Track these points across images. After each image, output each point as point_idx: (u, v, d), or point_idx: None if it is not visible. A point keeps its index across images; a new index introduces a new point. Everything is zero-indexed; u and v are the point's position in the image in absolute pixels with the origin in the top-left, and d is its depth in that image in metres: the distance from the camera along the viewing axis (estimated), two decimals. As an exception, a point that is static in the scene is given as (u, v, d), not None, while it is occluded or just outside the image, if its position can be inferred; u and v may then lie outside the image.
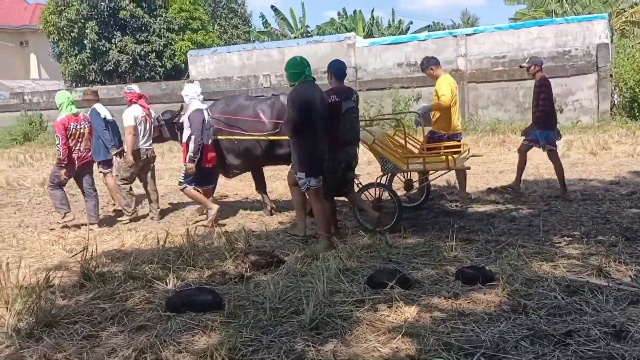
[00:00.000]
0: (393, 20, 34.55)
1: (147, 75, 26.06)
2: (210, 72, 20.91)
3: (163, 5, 26.99)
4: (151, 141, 7.21)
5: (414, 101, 17.84)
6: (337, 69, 5.52)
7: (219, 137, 6.78)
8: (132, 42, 25.56)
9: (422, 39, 18.71)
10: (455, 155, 5.99)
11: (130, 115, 6.90)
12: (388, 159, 5.94)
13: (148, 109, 7.24)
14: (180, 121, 7.02)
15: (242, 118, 6.78)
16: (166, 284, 4.27)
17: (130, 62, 25.51)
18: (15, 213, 8.23)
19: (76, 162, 6.73)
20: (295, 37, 30.48)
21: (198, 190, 6.71)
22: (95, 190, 7.01)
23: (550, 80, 7.22)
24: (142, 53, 25.67)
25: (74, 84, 26.20)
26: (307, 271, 4.40)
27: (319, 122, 5.06)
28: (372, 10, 62.89)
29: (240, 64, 20.62)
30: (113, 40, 25.41)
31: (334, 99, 5.33)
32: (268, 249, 5.16)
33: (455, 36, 18.17)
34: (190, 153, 6.39)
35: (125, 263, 4.76)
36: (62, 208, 6.81)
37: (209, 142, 6.60)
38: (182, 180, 6.63)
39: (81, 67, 25.59)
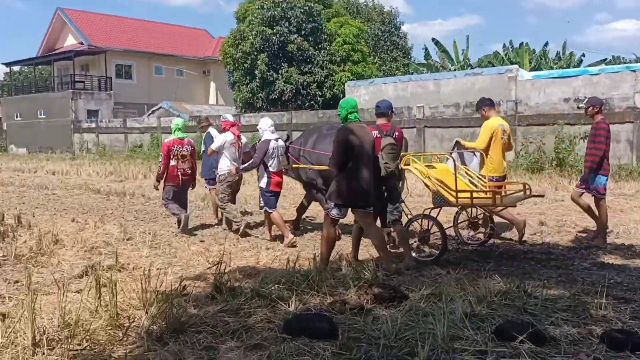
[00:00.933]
0: (563, 53, 32.36)
1: (307, 104, 27.47)
2: (365, 102, 21.36)
3: (328, 39, 28.38)
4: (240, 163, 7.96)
5: (580, 139, 16.38)
6: (377, 107, 6.22)
7: (293, 166, 7.77)
8: (297, 73, 27.20)
9: (594, 73, 17.24)
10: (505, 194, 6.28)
11: (220, 139, 7.99)
12: (438, 191, 6.00)
13: (238, 135, 8.11)
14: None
15: (317, 151, 7.46)
16: (288, 306, 4.34)
17: (294, 91, 27.14)
18: (175, 223, 9.06)
19: (180, 178, 8.04)
20: (454, 70, 30.01)
21: (269, 212, 7.36)
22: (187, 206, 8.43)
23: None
24: (305, 83, 27.17)
25: (243, 110, 28.56)
26: (429, 311, 4.17)
27: (360, 161, 5.44)
28: (546, 44, 55.91)
29: (394, 95, 20.80)
30: (280, 71, 27.29)
31: (375, 134, 5.88)
32: (394, 283, 5.01)
33: (633, 71, 16.41)
34: (240, 168, 7.62)
35: (255, 280, 4.96)
36: (179, 214, 8.05)
37: (276, 169, 7.33)
38: (261, 205, 7.50)
39: (250, 95, 27.83)
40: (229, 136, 7.95)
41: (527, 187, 6.22)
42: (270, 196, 7.36)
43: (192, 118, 27.16)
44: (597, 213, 6.94)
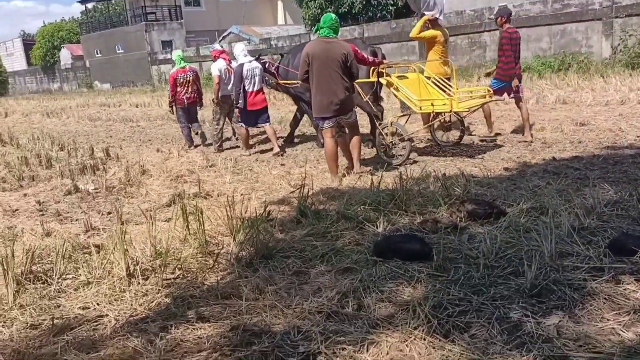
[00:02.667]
0: None
1: (378, 14, 26.12)
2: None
3: (397, -60, 26.38)
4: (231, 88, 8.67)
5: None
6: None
7: (280, 81, 8.58)
8: (366, -18, 25.74)
9: None
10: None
11: (215, 68, 8.85)
12: (402, 99, 6.82)
13: (229, 61, 9.04)
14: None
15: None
16: (376, 227, 4.15)
17: (364, 2, 25.80)
18: (258, 152, 9.05)
19: (185, 102, 9.31)
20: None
21: (247, 130, 8.47)
22: (197, 120, 9.75)
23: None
24: (375, -8, 25.71)
25: (312, 28, 27.69)
26: (532, 227, 3.84)
27: (321, 74, 5.69)
28: None
29: (474, -4, 19.21)
30: (348, -18, 25.92)
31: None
32: (488, 198, 4.67)
33: None
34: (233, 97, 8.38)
35: (339, 202, 4.78)
36: (190, 142, 9.62)
37: (252, 89, 8.07)
38: (237, 121, 8.58)
39: (319, 10, 26.76)
40: (221, 64, 8.91)
41: (488, 92, 6.92)
42: (248, 114, 8.21)
43: (262, 41, 26.77)
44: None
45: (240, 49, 8.34)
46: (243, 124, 8.36)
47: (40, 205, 6.05)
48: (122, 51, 37.54)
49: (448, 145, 7.46)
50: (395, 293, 3.11)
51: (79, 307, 3.26)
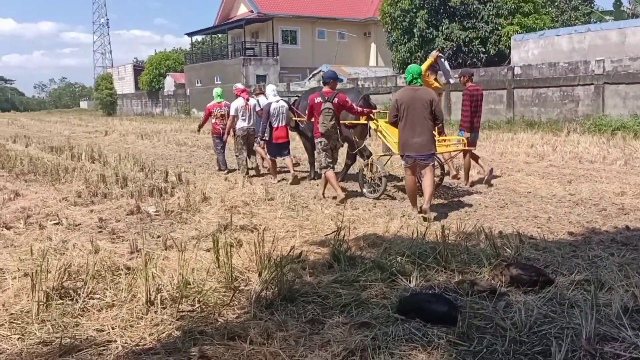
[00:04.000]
0: None
1: (468, 61, 25.74)
2: (534, 58, 19.34)
3: (495, -11, 26.09)
4: (251, 123, 9.98)
5: None
6: (322, 76, 7.78)
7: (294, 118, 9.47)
8: (458, 29, 25.53)
9: None
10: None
11: (233, 107, 9.98)
12: (385, 142, 7.89)
13: (247, 99, 10.04)
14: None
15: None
16: (409, 281, 3.93)
17: (454, 48, 25.57)
18: (318, 185, 9.03)
19: (221, 132, 10.56)
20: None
21: (274, 160, 9.59)
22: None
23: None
24: (467, 39, 25.40)
25: (401, 71, 27.76)
26: (577, 302, 3.47)
27: (410, 116, 6.30)
28: None
29: (569, 48, 18.47)
30: (440, 28, 25.84)
31: (318, 100, 7.33)
32: (540, 264, 4.30)
33: None
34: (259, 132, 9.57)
35: (377, 250, 4.61)
36: (223, 168, 10.74)
37: (277, 126, 9.16)
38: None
39: (408, 54, 26.86)
40: (240, 102, 9.96)
41: (463, 141, 7.76)
42: (273, 147, 9.36)
43: (350, 80, 27.17)
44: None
45: (271, 89, 9.48)
46: (269, 156, 9.57)
47: (101, 222, 6.35)
48: (220, 82, 39.52)
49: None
50: (407, 358, 2.89)
51: (94, 329, 3.31)
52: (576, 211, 6.46)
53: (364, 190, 7.73)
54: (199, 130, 12.06)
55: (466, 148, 7.82)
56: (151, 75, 47.94)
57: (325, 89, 7.45)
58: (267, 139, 9.29)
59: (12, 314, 3.48)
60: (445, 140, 7.69)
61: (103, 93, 54.69)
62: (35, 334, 3.22)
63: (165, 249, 5.05)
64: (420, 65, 8.05)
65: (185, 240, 5.36)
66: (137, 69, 54.39)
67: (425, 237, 4.90)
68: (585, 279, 3.88)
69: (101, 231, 5.96)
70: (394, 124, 6.57)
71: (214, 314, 3.50)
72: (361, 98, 8.37)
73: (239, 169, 10.32)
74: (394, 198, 7.68)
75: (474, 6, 25.58)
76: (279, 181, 9.42)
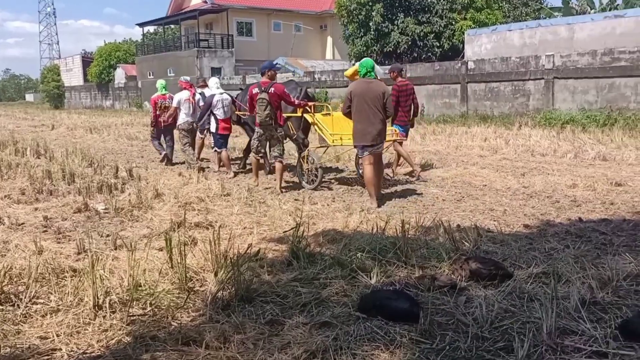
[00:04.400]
0: None
1: (423, 55, 26.04)
2: (486, 53, 19.70)
3: (448, -16, 26.46)
4: (195, 117, 9.97)
5: None
6: (261, 67, 8.03)
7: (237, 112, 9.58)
8: (413, 23, 25.76)
9: None
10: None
11: (176, 99, 10.08)
12: (321, 134, 8.12)
13: (193, 93, 10.28)
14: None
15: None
16: (370, 278, 3.86)
17: (409, 43, 25.80)
18: (331, 189, 8.88)
19: (162, 124, 10.62)
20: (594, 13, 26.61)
21: (220, 152, 9.55)
22: (173, 142, 11.05)
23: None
24: (422, 34, 25.68)
25: (355, 64, 27.84)
26: (537, 295, 3.48)
27: (363, 108, 6.53)
28: None
29: (520, 43, 18.92)
30: (396, 22, 26.00)
31: (255, 90, 7.60)
32: (498, 257, 4.31)
33: None
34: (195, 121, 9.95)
35: (337, 246, 4.52)
36: (160, 149, 11.02)
37: (222, 117, 9.28)
38: (212, 146, 9.90)
39: (364, 48, 26.93)
40: (184, 94, 10.07)
41: (395, 131, 8.09)
42: (219, 138, 9.45)
43: (307, 74, 27.03)
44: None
45: (214, 82, 9.78)
46: (217, 148, 9.60)
47: (46, 221, 6.02)
48: (173, 75, 38.60)
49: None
50: (370, 357, 2.81)
51: (37, 337, 3.09)
52: (530, 203, 6.57)
53: (302, 181, 7.98)
54: (153, 126, 11.38)
55: (397, 139, 8.20)
56: (101, 67, 46.37)
57: (263, 79, 7.66)
58: (210, 128, 9.55)
59: (-56, 323, 3.21)
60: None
61: (50, 85, 52.49)
62: (-30, 344, 2.97)
63: (115, 249, 4.82)
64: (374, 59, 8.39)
65: (136, 240, 5.12)
66: (86, 61, 52.48)
67: (385, 232, 4.86)
68: (543, 271, 3.90)
69: (46, 231, 5.63)
70: (347, 114, 6.78)
71: (167, 318, 3.33)
72: (302, 91, 8.66)
73: (187, 164, 10.08)
74: (352, 192, 7.63)
75: (429, 0, 25.86)
76: (234, 175, 9.30)
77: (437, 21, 25.81)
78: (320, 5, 41.49)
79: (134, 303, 3.44)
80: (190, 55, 37.24)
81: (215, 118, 9.31)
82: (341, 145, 7.89)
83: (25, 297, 3.48)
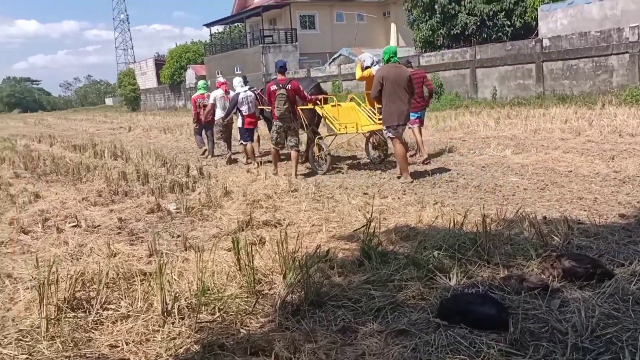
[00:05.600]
0: None
1: (493, 36, 24.87)
2: (563, 28, 18.48)
3: (519, -41, 25.11)
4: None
5: None
6: (276, 66, 8.69)
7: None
8: (481, 3, 24.61)
9: None
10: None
11: (212, 96, 11.21)
12: (330, 124, 8.84)
13: (226, 90, 11.20)
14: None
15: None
16: (449, 279, 3.56)
17: (478, 23, 24.70)
18: (342, 172, 8.68)
19: (202, 120, 11.93)
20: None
21: (246, 145, 10.21)
22: (213, 137, 11.89)
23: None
24: (491, 13, 24.50)
25: (423, 50, 27.03)
26: (646, 298, 3.06)
27: (394, 91, 7.19)
28: None
29: (600, 16, 17.57)
30: (462, 3, 24.98)
31: (273, 87, 8.31)
32: (593, 253, 3.88)
33: None
34: (223, 116, 10.73)
35: (412, 244, 4.24)
36: (201, 144, 12.50)
37: (247, 113, 9.91)
38: (239, 139, 10.45)
39: (430, 32, 26.07)
40: (219, 92, 11.11)
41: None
42: (245, 132, 10.09)
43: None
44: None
45: (237, 81, 10.24)
46: (242, 141, 10.25)
47: (120, 222, 6.11)
48: (240, 72, 39.24)
49: (377, 160, 9.25)
50: (453, 371, 2.54)
51: (108, 345, 3.04)
52: (624, 190, 5.97)
53: (315, 166, 8.81)
54: (196, 125, 12.71)
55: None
56: (172, 69, 47.95)
57: (280, 77, 8.39)
58: (240, 125, 10.10)
59: (20, 330, 3.24)
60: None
61: (126, 89, 55.05)
62: (43, 353, 2.96)
63: (185, 250, 4.78)
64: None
65: (206, 240, 5.08)
66: (159, 63, 54.45)
67: (464, 226, 4.51)
68: (649, 269, 3.45)
69: (120, 232, 5.71)
70: (377, 98, 7.49)
71: (236, 324, 3.20)
72: (314, 85, 9.77)
73: (221, 155, 11.40)
74: (423, 184, 7.28)
75: (498, -22, 24.64)
76: (258, 165, 9.90)
77: (507, -1, 24.55)
78: (385, -9, 40.75)
79: (203, 308, 3.33)
80: (255, 52, 37.69)
81: (241, 114, 9.95)
82: (346, 132, 8.70)
83: (96, 303, 3.46)
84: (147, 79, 56.54)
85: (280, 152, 9.16)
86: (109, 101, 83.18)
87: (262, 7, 37.79)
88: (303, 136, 9.64)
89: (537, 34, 20.46)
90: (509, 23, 24.64)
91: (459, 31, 25.07)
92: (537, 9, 21.64)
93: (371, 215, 4.69)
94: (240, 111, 9.98)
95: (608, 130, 10.48)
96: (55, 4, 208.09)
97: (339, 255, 4.18)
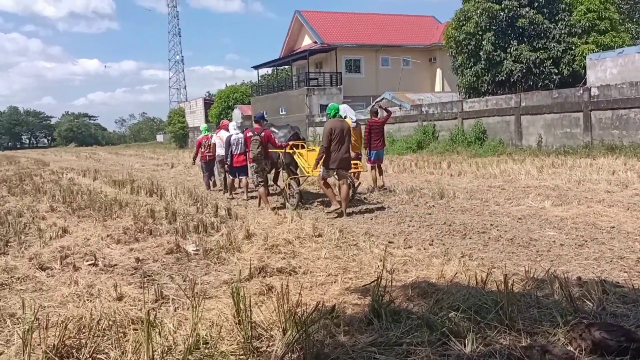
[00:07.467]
0: None
1: (540, 83, 24.38)
2: (612, 77, 17.90)
3: (567, 8, 24.75)
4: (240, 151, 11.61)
5: None
6: (253, 117, 10.50)
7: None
8: (528, 50, 24.30)
9: None
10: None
11: (216, 137, 13.04)
12: (301, 165, 10.32)
13: (210, 137, 13.55)
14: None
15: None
16: (463, 345, 3.23)
17: (524, 70, 24.31)
18: (372, 219, 8.42)
19: (207, 158, 13.48)
20: None
21: (233, 180, 11.98)
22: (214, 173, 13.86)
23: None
24: (537, 61, 24.10)
25: (467, 96, 26.73)
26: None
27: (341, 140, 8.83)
28: None
29: (653, 65, 16.94)
30: (508, 50, 24.71)
31: (249, 134, 10.18)
32: (630, 324, 3.46)
33: None
34: (222, 156, 12.22)
35: (428, 302, 3.92)
36: (207, 181, 13.79)
37: (237, 152, 11.38)
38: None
39: (475, 78, 25.84)
40: (222, 134, 12.62)
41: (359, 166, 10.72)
42: (234, 169, 11.57)
43: (414, 107, 26.44)
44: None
45: (232, 126, 11.98)
46: (230, 175, 11.92)
47: (137, 262, 6.03)
48: (285, 113, 39.88)
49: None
50: None
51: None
52: (673, 251, 5.47)
53: (286, 203, 9.99)
54: (194, 162, 15.20)
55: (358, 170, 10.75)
56: (220, 108, 49.29)
57: (256, 126, 10.05)
58: (229, 163, 11.58)
59: (4, 377, 3.10)
60: (356, 164, 10.54)
61: (176, 127, 56.80)
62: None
63: (192, 296, 4.59)
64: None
65: (216, 286, 4.90)
66: (207, 102, 56.14)
67: (486, 284, 4.17)
68: (694, 347, 3.02)
69: (134, 273, 5.61)
70: (327, 147, 8.79)
71: (226, 385, 2.96)
72: (293, 133, 11.26)
73: (221, 187, 13.25)
74: (452, 234, 6.92)
75: (544, 26, 24.36)
76: (247, 199, 11.40)
77: (554, 46, 24.16)
78: (430, 38, 40.97)
79: (193, 365, 3.12)
80: (300, 94, 38.25)
81: (231, 153, 11.42)
82: (313, 175, 9.97)
83: (82, 355, 3.29)
84: (195, 117, 58.21)
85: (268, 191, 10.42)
86: (159, 137, 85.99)
87: (308, 50, 38.59)
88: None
89: (585, 82, 19.92)
90: (557, 71, 24.18)
91: (503, 78, 24.74)
92: (585, 58, 21.14)
93: (383, 268, 4.41)
94: (230, 151, 11.43)
95: (659, 183, 9.86)
96: (116, 45, 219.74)
97: (347, 311, 3.91)
